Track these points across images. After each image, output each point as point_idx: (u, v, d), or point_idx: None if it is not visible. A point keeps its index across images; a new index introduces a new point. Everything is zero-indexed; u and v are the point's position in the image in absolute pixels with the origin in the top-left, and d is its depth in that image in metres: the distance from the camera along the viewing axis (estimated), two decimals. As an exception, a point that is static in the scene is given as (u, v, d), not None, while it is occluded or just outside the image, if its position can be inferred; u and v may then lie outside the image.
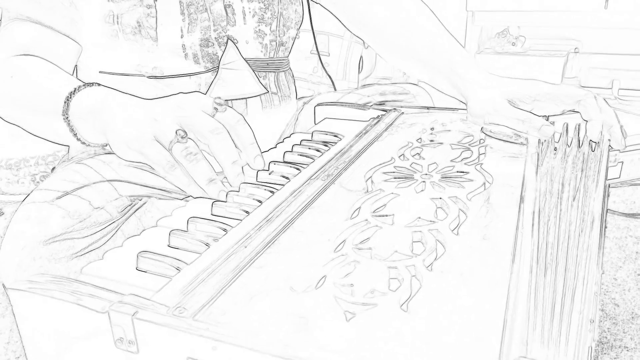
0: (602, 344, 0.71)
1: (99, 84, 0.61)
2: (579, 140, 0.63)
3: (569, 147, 0.61)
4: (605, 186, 0.54)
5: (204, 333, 0.32)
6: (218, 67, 0.74)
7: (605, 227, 0.48)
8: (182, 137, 0.53)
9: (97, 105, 0.58)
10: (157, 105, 0.57)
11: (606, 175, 0.57)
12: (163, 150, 0.54)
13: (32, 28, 0.66)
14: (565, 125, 0.67)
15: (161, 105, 0.57)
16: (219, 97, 0.57)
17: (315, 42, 1.16)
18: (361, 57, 1.62)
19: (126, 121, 0.56)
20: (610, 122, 0.64)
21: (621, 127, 0.66)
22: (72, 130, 0.60)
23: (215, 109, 0.56)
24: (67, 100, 0.59)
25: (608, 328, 0.73)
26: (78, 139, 0.61)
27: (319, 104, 0.85)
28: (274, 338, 0.32)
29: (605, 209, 0.50)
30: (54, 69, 0.65)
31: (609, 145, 0.64)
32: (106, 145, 0.62)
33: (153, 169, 0.76)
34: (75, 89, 0.59)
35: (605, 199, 0.52)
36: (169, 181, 0.55)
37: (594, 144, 0.62)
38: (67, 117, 0.59)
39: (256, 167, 0.58)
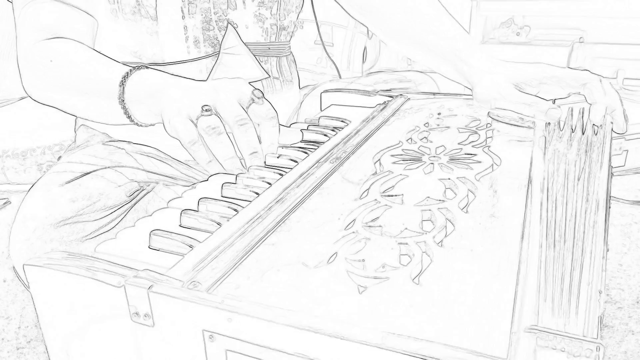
0: (608, 327, 0.71)
1: (146, 67, 0.62)
2: (583, 124, 0.63)
3: (573, 131, 0.62)
4: (609, 168, 0.54)
5: (219, 305, 0.33)
6: (218, 52, 0.74)
7: (609, 207, 0.48)
8: (206, 111, 0.53)
9: (156, 88, 0.59)
10: (201, 86, 0.58)
11: (610, 157, 0.57)
12: (191, 127, 0.55)
13: (53, 7, 0.66)
14: (570, 109, 0.67)
15: (203, 86, 0.58)
16: (259, 90, 0.58)
17: (319, 30, 1.16)
18: (365, 47, 1.61)
19: (171, 100, 0.57)
20: (613, 106, 0.64)
21: (624, 111, 0.66)
22: (127, 112, 0.61)
23: (252, 99, 0.56)
24: (122, 84, 0.60)
25: (613, 312, 0.74)
26: (132, 121, 0.62)
27: (325, 91, 0.85)
28: (288, 310, 0.32)
29: (609, 190, 0.51)
30: (94, 52, 0.66)
31: (612, 129, 0.65)
32: (153, 125, 0.63)
33: (166, 155, 0.76)
34: (127, 72, 0.61)
35: (609, 180, 0.52)
36: (192, 157, 0.56)
37: (596, 127, 0.63)
38: (123, 101, 0.60)
39: (251, 163, 0.58)
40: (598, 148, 0.56)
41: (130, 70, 0.61)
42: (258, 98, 0.56)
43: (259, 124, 0.57)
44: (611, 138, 0.62)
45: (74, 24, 0.67)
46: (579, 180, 0.49)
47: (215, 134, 0.54)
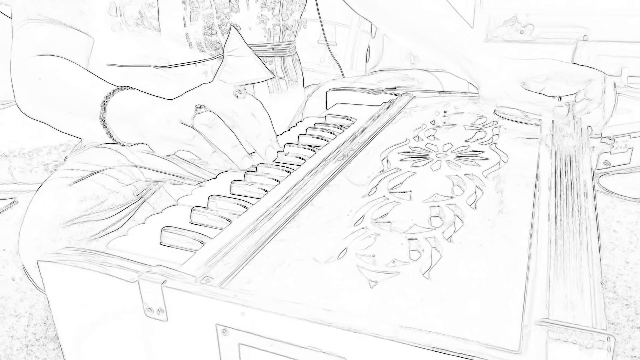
0: (615, 324, 0.71)
1: (130, 87, 0.63)
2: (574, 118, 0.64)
3: (567, 125, 0.62)
4: (589, 159, 0.54)
5: (232, 300, 0.33)
6: (223, 54, 0.74)
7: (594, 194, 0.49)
8: (200, 107, 0.54)
9: (135, 110, 0.61)
10: (184, 96, 0.60)
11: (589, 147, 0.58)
12: (186, 127, 0.56)
13: (48, 26, 0.68)
14: (572, 105, 0.68)
15: (187, 95, 0.59)
16: (241, 86, 0.59)
17: (323, 29, 1.16)
18: (368, 46, 1.62)
19: (157, 117, 0.59)
20: (605, 106, 0.65)
21: (610, 115, 0.67)
22: (109, 132, 0.63)
23: (236, 95, 0.57)
24: (104, 104, 0.62)
25: (621, 309, 0.74)
26: (114, 140, 0.64)
27: (330, 89, 0.85)
28: (301, 304, 0.33)
29: (592, 181, 0.51)
30: (81, 71, 0.67)
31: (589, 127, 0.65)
32: (137, 144, 0.64)
33: (173, 154, 0.77)
34: (109, 93, 0.62)
35: (592, 173, 0.53)
36: (193, 153, 0.57)
37: (574, 120, 0.63)
38: (104, 121, 0.62)
39: (267, 158, 0.59)
40: (583, 140, 0.57)
41: (113, 91, 0.62)
42: (240, 93, 0.57)
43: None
44: (588, 131, 0.63)
45: (67, 41, 0.69)
46: (573, 173, 0.49)
47: (215, 125, 0.55)
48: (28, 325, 0.77)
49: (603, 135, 0.79)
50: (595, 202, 0.45)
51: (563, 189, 0.46)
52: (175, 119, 0.56)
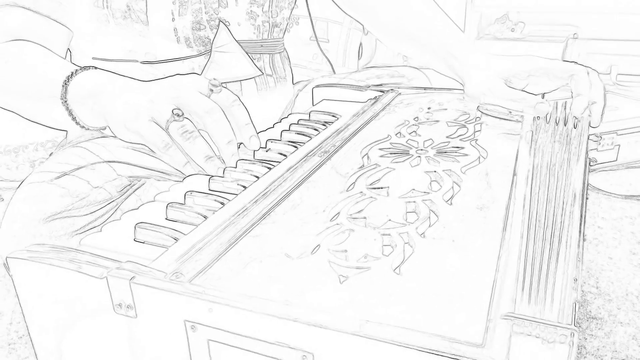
0: (597, 319, 0.72)
1: (95, 67, 0.61)
2: (565, 117, 0.63)
3: (556, 124, 0.62)
4: (586, 160, 0.54)
5: (201, 296, 0.33)
6: (211, 50, 0.73)
7: (587, 198, 0.49)
8: (178, 116, 0.53)
9: (96, 88, 0.58)
10: (154, 86, 0.57)
11: (587, 150, 0.57)
12: (159, 131, 0.54)
13: (20, 13, 0.66)
14: (556, 103, 0.67)
15: (158, 86, 0.57)
16: (215, 79, 0.57)
17: (313, 26, 1.16)
18: (360, 43, 1.61)
19: (125, 103, 0.56)
20: (594, 99, 0.64)
21: (604, 106, 0.66)
22: (71, 114, 0.60)
23: (211, 90, 0.56)
24: (65, 84, 0.59)
25: (603, 304, 0.74)
26: (77, 123, 0.61)
27: (317, 86, 0.85)
28: (269, 300, 0.33)
29: (586, 182, 0.51)
30: (49, 54, 0.65)
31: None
32: (104, 128, 0.63)
33: (151, 150, 0.76)
34: (72, 72, 0.60)
35: (586, 172, 0.53)
36: (165, 162, 0.56)
37: (576, 120, 0.63)
38: (65, 101, 0.59)
39: (252, 147, 0.59)
40: (576, 140, 0.56)
41: (77, 70, 0.60)
42: (216, 87, 0.56)
43: (224, 112, 0.57)
44: (588, 130, 0.62)
45: (41, 31, 0.66)
46: (557, 172, 0.49)
47: (192, 138, 0.54)
48: (10, 324, 0.76)
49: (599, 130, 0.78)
50: (583, 197, 0.45)
51: (541, 185, 0.46)
52: (146, 115, 0.54)
